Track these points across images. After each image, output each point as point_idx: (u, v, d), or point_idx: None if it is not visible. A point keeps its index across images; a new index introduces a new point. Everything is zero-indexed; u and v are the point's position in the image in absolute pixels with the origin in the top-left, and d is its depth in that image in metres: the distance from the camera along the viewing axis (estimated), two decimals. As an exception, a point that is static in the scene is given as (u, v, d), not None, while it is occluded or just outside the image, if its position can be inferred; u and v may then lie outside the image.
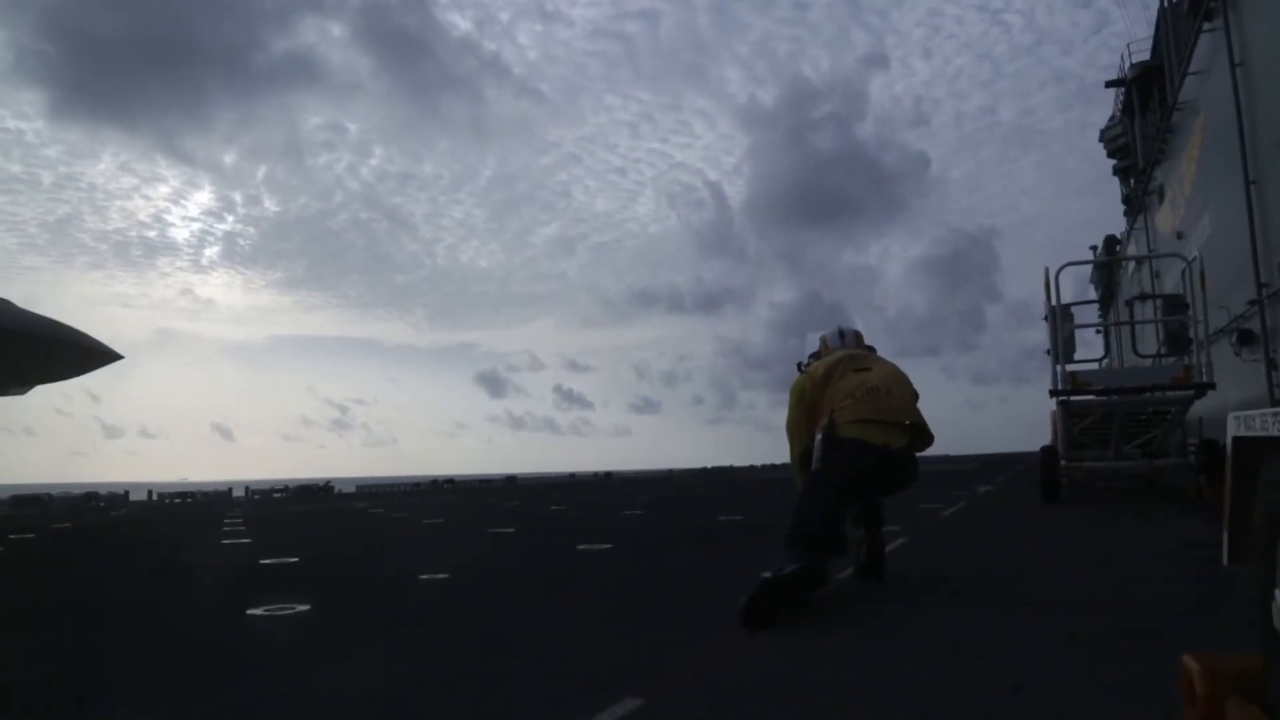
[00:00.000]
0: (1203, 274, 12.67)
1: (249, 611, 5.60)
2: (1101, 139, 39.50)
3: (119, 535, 16.45)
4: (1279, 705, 2.14)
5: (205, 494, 44.52)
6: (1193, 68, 20.84)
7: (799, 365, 6.62)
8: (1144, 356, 15.78)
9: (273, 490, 46.51)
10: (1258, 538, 2.21)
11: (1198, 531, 7.42)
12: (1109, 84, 36.40)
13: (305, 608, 5.71)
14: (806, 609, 5.15)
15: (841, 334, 6.69)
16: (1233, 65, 16.42)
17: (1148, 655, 3.49)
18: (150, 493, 43.78)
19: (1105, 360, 21.04)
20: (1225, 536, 2.38)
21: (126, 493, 43.87)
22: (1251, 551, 2.26)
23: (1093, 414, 13.27)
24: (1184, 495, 12.61)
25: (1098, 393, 12.93)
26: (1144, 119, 31.39)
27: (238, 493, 45.00)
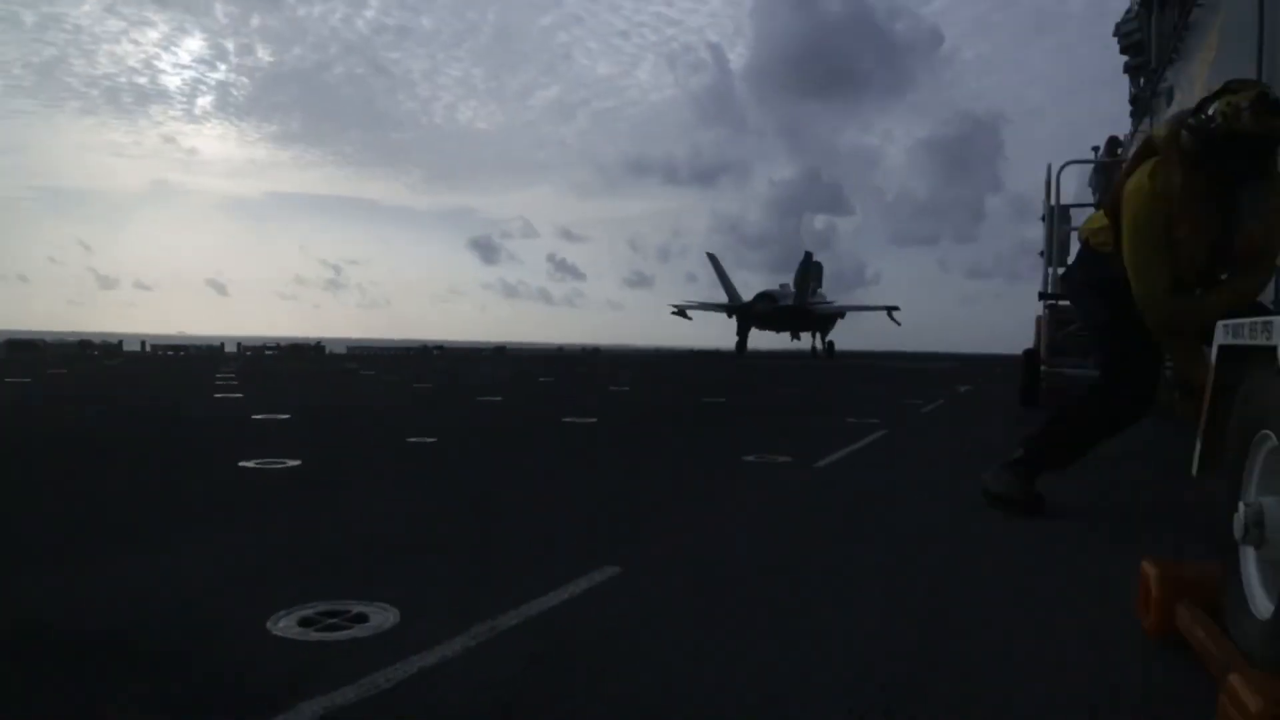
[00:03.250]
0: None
1: (241, 463, 5.72)
2: (1116, 33, 37.99)
3: (113, 383, 16.60)
4: (1228, 612, 2.24)
5: (198, 348, 44.69)
6: (1217, -40, 19.92)
7: None
8: None
9: (264, 347, 46.75)
10: (1230, 449, 2.27)
11: (1169, 443, 7.57)
12: None
13: (296, 462, 5.83)
14: (783, 490, 5.30)
15: None
16: None
17: (1110, 558, 3.62)
18: (144, 344, 43.95)
19: None
20: (1198, 446, 2.44)
21: (120, 342, 44.04)
22: (1221, 462, 2.33)
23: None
24: (1159, 407, 12.79)
25: None
26: (1162, 14, 30.12)
27: (230, 349, 45.21)
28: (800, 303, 64.08)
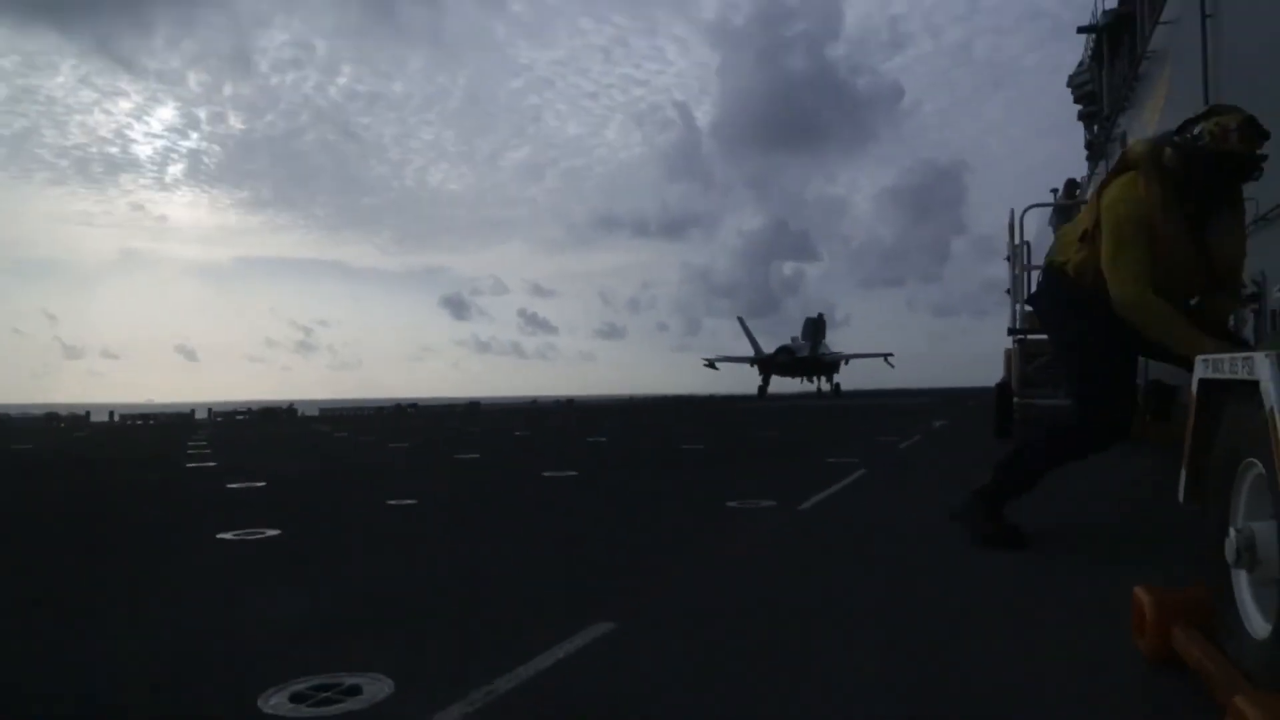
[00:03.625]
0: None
1: (219, 535, 5.62)
2: (1069, 84, 39.57)
3: (82, 457, 16.32)
4: (1224, 633, 2.26)
5: (168, 415, 44.08)
6: (1164, 17, 20.72)
7: None
8: None
9: (235, 412, 46.21)
10: (1216, 477, 2.31)
11: (1144, 469, 7.67)
12: (1080, 29, 36.23)
13: (276, 532, 5.73)
14: (770, 535, 5.29)
15: None
16: (1203, 16, 16.35)
17: (1098, 585, 3.63)
18: (112, 414, 43.27)
19: None
20: (1184, 475, 2.48)
21: (88, 413, 43.38)
22: (1209, 490, 2.37)
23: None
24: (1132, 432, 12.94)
25: None
26: (1112, 66, 31.24)
27: (200, 415, 44.64)
28: (813, 354, 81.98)
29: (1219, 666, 2.15)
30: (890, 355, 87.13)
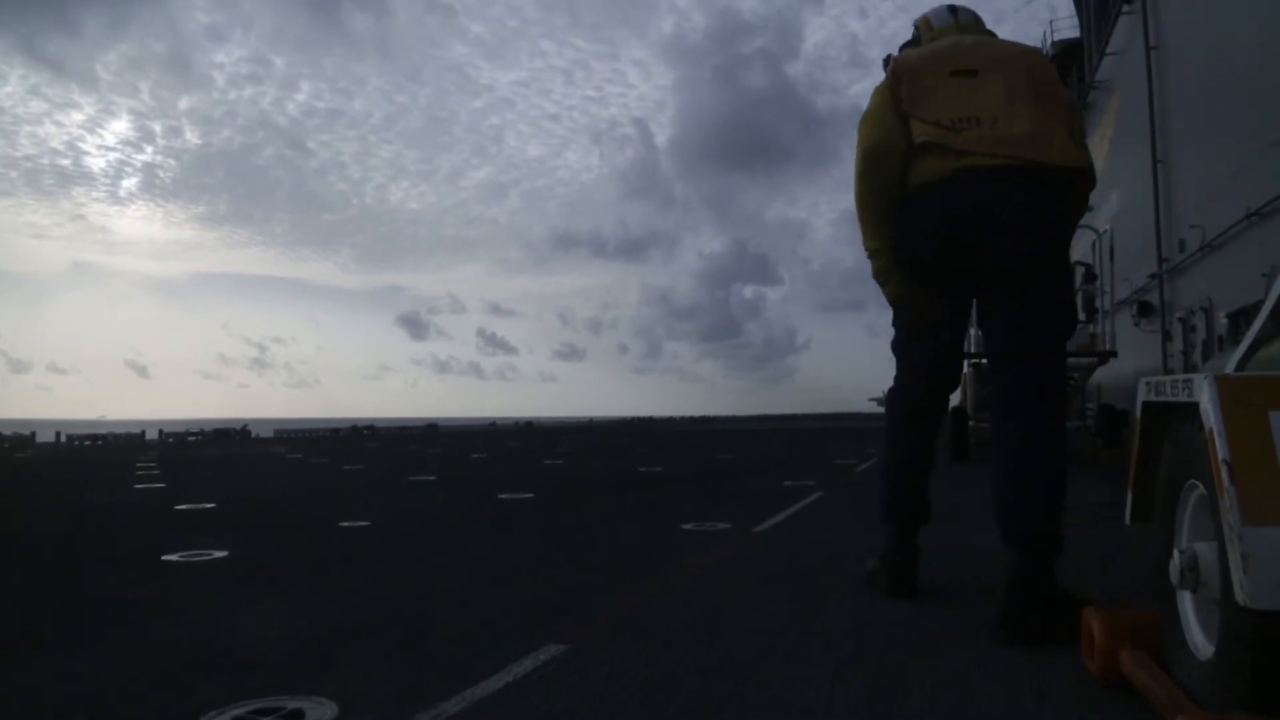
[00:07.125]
0: (1112, 246, 13.17)
1: (164, 557, 5.48)
2: (1021, 113, 40.64)
3: (26, 478, 15.87)
4: (1170, 655, 2.29)
5: (117, 436, 43.12)
6: (1111, 48, 21.46)
7: (885, 63, 3.83)
8: None
9: (187, 433, 45.38)
10: (1161, 499, 2.34)
11: (1096, 491, 7.79)
12: None
13: (223, 554, 5.61)
14: (725, 557, 5.28)
15: (953, 9, 3.99)
16: (1148, 48, 16.96)
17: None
18: (58, 434, 42.22)
19: None
20: (1129, 497, 2.51)
21: (33, 433, 42.31)
22: (1153, 512, 2.40)
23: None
24: (1082, 457, 13.17)
25: None
26: (1063, 94, 32.18)
27: (151, 434, 43.72)
28: None
29: (1165, 688, 2.18)
30: None
